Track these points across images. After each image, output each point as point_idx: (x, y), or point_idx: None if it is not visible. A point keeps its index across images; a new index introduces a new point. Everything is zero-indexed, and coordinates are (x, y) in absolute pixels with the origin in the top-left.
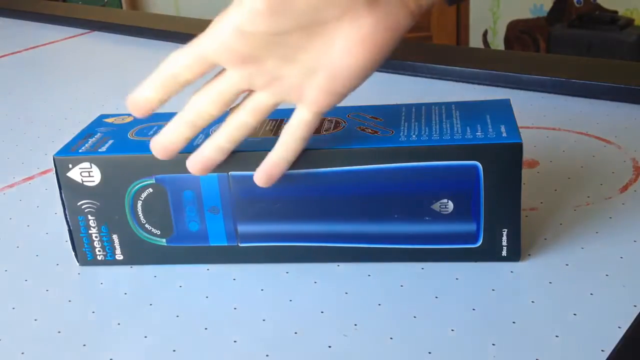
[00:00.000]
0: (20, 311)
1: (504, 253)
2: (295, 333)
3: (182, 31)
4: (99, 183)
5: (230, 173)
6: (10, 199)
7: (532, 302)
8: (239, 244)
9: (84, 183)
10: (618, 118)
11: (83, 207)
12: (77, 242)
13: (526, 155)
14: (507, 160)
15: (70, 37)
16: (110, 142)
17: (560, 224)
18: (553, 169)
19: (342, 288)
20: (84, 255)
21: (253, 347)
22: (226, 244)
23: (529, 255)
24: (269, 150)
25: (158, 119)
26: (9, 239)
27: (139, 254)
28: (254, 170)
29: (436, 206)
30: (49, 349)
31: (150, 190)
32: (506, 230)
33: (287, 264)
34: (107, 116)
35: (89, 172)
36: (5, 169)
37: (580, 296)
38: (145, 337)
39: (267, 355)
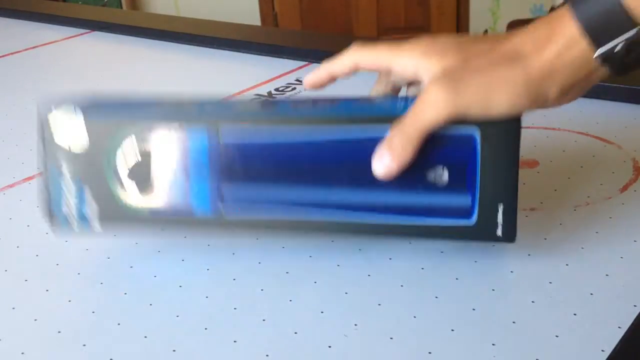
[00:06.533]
0: (20, 311)
1: (499, 232)
2: (295, 333)
3: (182, 31)
4: (82, 133)
5: (220, 128)
6: (10, 199)
7: (532, 302)
8: (223, 211)
9: (64, 131)
10: (618, 118)
11: (58, 154)
12: (53, 203)
13: (526, 155)
14: (505, 129)
15: (70, 37)
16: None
17: (560, 224)
18: (553, 169)
19: (342, 288)
20: (56, 219)
21: (253, 347)
22: (210, 215)
23: (529, 255)
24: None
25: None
26: (9, 239)
27: (116, 217)
28: (249, 124)
29: (430, 176)
30: (49, 349)
31: (135, 143)
32: (502, 204)
33: (277, 238)
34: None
35: (71, 117)
36: (5, 169)
37: (580, 296)
38: (145, 337)
39: (267, 355)
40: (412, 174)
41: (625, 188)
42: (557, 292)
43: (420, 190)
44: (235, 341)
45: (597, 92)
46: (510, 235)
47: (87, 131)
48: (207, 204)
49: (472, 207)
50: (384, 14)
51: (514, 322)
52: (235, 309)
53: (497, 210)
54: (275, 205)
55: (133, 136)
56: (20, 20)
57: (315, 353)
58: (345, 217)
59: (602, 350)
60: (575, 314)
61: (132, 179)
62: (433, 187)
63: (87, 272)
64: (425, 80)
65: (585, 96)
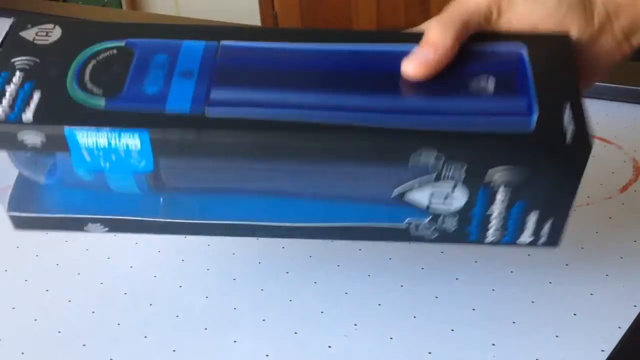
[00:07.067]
0: (20, 311)
1: (569, 137)
2: (295, 333)
3: None
4: (54, 42)
5: (221, 42)
6: None
7: (532, 302)
8: (206, 112)
9: (35, 41)
10: (618, 118)
11: (16, 62)
12: None
13: None
14: (554, 41)
15: None
16: None
17: None
18: None
19: (342, 288)
20: None
21: (253, 347)
22: (187, 113)
23: (529, 255)
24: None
25: None
26: (9, 239)
27: (57, 114)
28: (251, 40)
29: (474, 84)
30: (49, 349)
31: (114, 52)
32: (568, 104)
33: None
34: None
35: (47, 32)
36: (5, 168)
37: (580, 296)
38: (145, 337)
39: (267, 355)
40: (452, 80)
41: (625, 188)
42: (557, 292)
43: (462, 96)
44: (235, 341)
45: (597, 92)
46: (584, 142)
47: (67, 29)
48: (187, 102)
49: (530, 108)
50: (384, 13)
51: (514, 322)
52: (235, 309)
53: (564, 111)
54: (273, 106)
55: (115, 48)
56: None
57: (315, 353)
58: (363, 120)
59: (602, 350)
60: (575, 314)
61: (99, 83)
62: (477, 94)
63: (87, 272)
64: None
65: (585, 96)
